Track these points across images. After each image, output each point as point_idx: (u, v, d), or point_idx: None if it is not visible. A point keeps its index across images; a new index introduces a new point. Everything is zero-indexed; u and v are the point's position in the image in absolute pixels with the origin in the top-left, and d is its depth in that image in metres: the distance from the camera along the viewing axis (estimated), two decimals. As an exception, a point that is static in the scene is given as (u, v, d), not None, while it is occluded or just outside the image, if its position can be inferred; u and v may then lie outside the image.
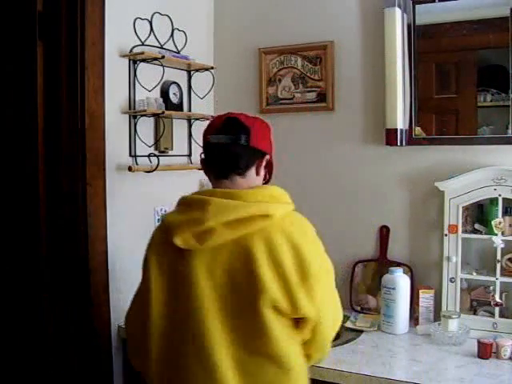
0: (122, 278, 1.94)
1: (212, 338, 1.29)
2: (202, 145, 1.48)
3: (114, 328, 1.93)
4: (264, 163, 1.43)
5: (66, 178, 1.83)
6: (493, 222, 1.85)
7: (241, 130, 1.38)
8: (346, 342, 1.84)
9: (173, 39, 2.19)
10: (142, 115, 2.03)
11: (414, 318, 1.97)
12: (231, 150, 1.38)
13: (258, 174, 1.42)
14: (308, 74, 2.28)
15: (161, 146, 2.13)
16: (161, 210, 2.10)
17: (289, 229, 1.33)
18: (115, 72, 1.95)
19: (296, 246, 1.30)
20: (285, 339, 1.31)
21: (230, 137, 1.38)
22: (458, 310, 1.89)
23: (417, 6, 2.01)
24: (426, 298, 1.95)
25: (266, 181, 1.51)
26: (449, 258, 1.91)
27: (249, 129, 1.38)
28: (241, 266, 1.29)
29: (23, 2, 1.84)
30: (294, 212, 1.40)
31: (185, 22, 2.24)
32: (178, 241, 1.31)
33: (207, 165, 1.46)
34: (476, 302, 1.92)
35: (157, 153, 2.10)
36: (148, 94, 2.06)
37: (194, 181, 2.30)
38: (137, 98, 2.04)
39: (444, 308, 1.91)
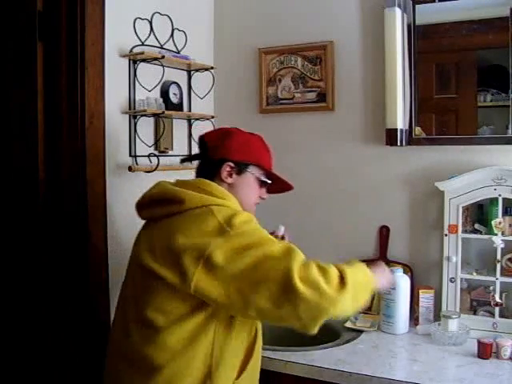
0: (122, 278, 1.93)
1: None
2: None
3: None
4: (228, 169, 1.51)
5: (66, 178, 1.83)
6: (493, 222, 1.85)
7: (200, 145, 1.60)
8: (346, 342, 1.84)
9: (173, 39, 2.19)
10: (142, 115, 2.03)
11: (414, 318, 1.97)
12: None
13: (222, 180, 1.51)
14: (308, 74, 2.28)
15: (161, 145, 2.13)
16: (161, 209, 2.09)
17: None
18: (115, 72, 1.95)
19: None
20: None
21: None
22: (458, 309, 1.89)
23: (417, 6, 2.01)
24: (426, 297, 1.95)
25: (272, 188, 1.61)
26: (449, 258, 1.91)
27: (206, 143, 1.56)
28: None
29: (23, 2, 1.84)
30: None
31: (185, 22, 2.24)
32: None
33: None
34: (476, 301, 1.92)
35: (157, 153, 2.09)
36: (148, 94, 2.06)
37: (194, 181, 2.29)
38: (137, 98, 2.04)
39: (444, 308, 1.91)
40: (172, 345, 1.35)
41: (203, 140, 1.58)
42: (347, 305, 1.28)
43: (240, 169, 1.52)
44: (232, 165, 1.51)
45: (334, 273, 1.28)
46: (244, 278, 1.26)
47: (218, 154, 1.52)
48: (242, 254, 1.27)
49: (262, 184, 1.58)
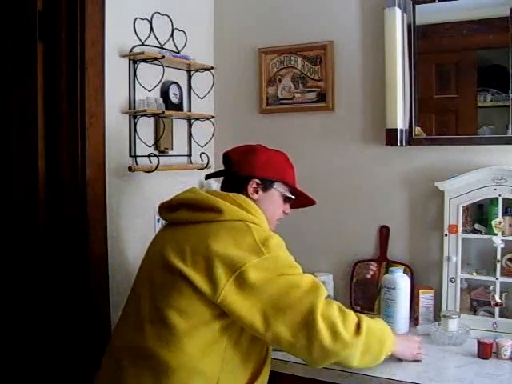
0: (122, 277, 1.94)
1: None
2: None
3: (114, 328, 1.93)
4: (254, 185, 1.55)
5: (66, 178, 1.83)
6: (493, 222, 1.85)
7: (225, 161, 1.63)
8: (346, 342, 1.84)
9: (173, 39, 2.19)
10: (142, 115, 2.03)
11: (414, 318, 1.97)
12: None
13: (248, 196, 1.53)
14: (308, 74, 2.28)
15: (161, 145, 2.13)
16: (161, 209, 2.09)
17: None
18: (115, 72, 1.95)
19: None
20: None
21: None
22: (458, 309, 1.89)
23: (417, 6, 2.01)
24: (425, 297, 1.95)
25: (295, 203, 1.67)
26: (449, 258, 1.91)
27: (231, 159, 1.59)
28: None
29: (23, 2, 1.84)
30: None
31: (185, 22, 2.24)
32: None
33: None
34: (476, 301, 1.92)
35: (157, 153, 2.10)
36: (148, 94, 2.06)
37: (194, 181, 2.30)
38: (137, 98, 2.04)
39: (444, 308, 1.91)
40: (184, 346, 1.34)
41: (227, 156, 1.62)
42: (356, 353, 1.36)
43: (266, 185, 1.57)
44: (258, 181, 1.55)
45: (352, 318, 1.37)
46: (271, 302, 1.32)
47: (243, 171, 1.56)
48: (274, 279, 1.33)
49: (286, 200, 1.63)
